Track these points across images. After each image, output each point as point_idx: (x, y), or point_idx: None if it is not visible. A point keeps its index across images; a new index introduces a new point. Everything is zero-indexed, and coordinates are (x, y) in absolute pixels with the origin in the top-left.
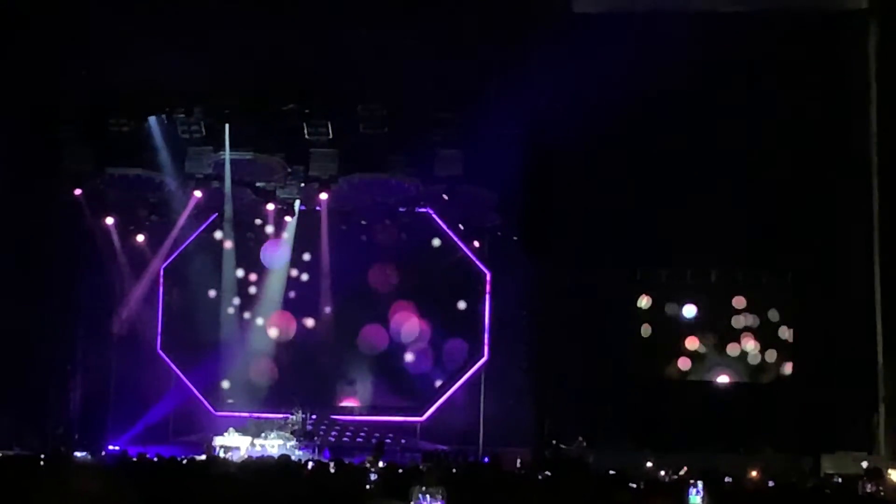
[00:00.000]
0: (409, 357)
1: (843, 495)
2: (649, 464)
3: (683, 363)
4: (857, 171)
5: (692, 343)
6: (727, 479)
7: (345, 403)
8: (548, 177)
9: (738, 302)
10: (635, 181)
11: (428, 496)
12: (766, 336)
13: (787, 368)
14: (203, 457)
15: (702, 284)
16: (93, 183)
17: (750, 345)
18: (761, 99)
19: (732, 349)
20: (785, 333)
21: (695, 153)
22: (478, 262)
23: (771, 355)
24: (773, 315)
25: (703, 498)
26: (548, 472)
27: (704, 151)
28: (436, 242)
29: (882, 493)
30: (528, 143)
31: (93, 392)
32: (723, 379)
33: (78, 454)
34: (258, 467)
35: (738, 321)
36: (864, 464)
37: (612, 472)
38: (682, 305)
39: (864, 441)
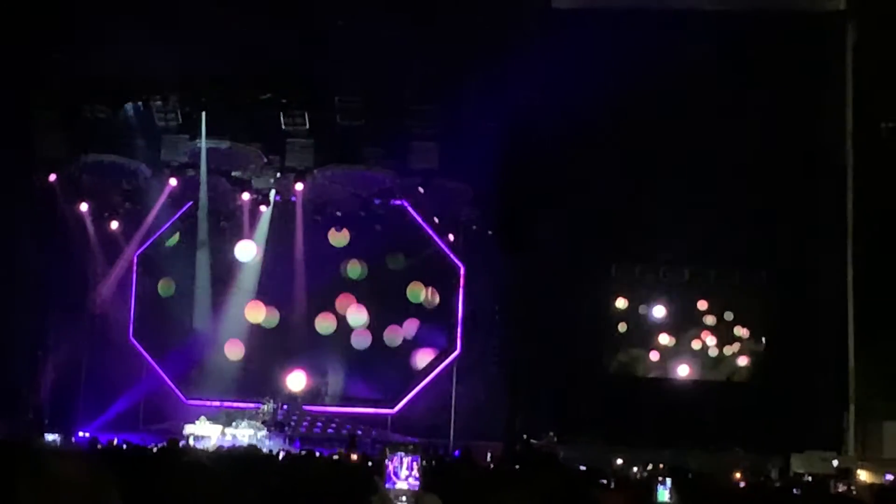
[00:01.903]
0: (380, 349)
1: (813, 494)
2: (619, 460)
3: (653, 356)
4: (832, 171)
5: (662, 338)
6: (691, 476)
7: (291, 377)
8: (524, 172)
9: (703, 303)
10: (612, 178)
11: (401, 453)
12: (726, 333)
13: (743, 361)
14: (165, 444)
15: (674, 282)
16: (68, 169)
17: (710, 340)
18: (739, 97)
19: (696, 344)
20: (741, 331)
21: (673, 151)
22: (452, 256)
23: (730, 350)
24: (729, 315)
25: (670, 494)
26: (517, 467)
27: (682, 149)
28: (410, 236)
29: (854, 492)
30: (505, 138)
31: (63, 378)
32: (683, 370)
33: (49, 437)
34: (229, 457)
35: (705, 319)
36: (835, 463)
37: (581, 467)
38: (654, 304)
39: (833, 441)
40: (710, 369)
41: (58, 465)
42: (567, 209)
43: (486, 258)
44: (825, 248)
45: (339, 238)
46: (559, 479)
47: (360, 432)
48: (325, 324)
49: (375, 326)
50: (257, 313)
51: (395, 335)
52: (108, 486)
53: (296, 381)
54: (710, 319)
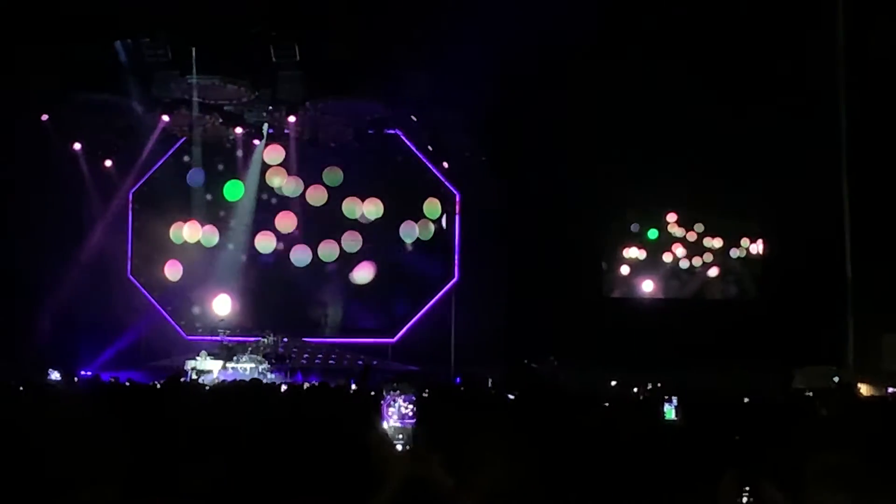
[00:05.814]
0: (379, 279)
1: (811, 411)
2: (619, 382)
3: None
4: (824, 82)
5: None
6: (695, 394)
7: (217, 301)
8: (517, 96)
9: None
10: (607, 99)
11: (398, 391)
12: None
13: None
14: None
15: (671, 201)
16: (59, 109)
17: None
18: (731, 21)
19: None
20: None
21: (665, 76)
22: (447, 184)
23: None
24: (700, 227)
25: (678, 412)
26: (518, 392)
27: (675, 73)
28: (402, 161)
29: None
30: (498, 63)
31: (63, 318)
32: (647, 287)
33: (53, 376)
34: (232, 390)
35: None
36: (836, 379)
37: (583, 390)
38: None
39: (833, 355)
40: (688, 284)
41: (61, 405)
42: (559, 133)
43: (482, 184)
44: (820, 161)
45: (273, 156)
46: (560, 403)
47: (360, 363)
48: (264, 242)
49: (313, 243)
50: (194, 233)
51: (330, 250)
52: (110, 425)
53: (221, 304)
54: (680, 231)
